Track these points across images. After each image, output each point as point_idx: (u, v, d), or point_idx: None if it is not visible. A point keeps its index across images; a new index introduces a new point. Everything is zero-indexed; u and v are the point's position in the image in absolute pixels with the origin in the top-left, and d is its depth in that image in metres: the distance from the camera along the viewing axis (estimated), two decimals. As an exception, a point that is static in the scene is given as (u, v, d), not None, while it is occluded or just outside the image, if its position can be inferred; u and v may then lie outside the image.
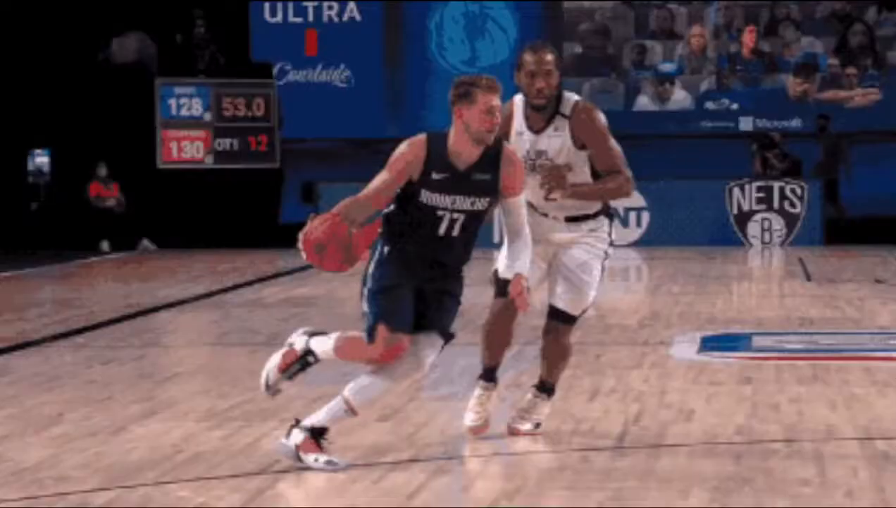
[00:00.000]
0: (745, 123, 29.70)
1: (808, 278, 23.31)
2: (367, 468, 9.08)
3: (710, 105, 30.49)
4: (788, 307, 19.44)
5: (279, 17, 31.04)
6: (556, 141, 8.69)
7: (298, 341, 8.31)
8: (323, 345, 8.30)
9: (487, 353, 9.06)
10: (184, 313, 19.09)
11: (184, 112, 30.03)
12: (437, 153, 7.93)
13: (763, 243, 28.60)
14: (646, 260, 27.26)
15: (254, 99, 29.83)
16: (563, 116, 8.48)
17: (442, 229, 7.98)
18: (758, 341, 15.70)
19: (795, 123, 29.65)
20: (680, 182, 29.40)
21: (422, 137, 7.98)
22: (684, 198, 29.24)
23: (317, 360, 8.39)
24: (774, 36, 31.00)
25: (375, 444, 9.75)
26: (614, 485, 8.44)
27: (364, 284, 8.13)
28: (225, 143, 30.03)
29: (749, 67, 30.71)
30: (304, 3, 31.07)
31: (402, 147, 7.98)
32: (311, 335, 8.43)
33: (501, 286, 8.73)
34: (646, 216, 28.92)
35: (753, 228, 28.45)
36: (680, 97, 30.42)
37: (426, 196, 7.92)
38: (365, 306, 8.12)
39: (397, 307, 8.03)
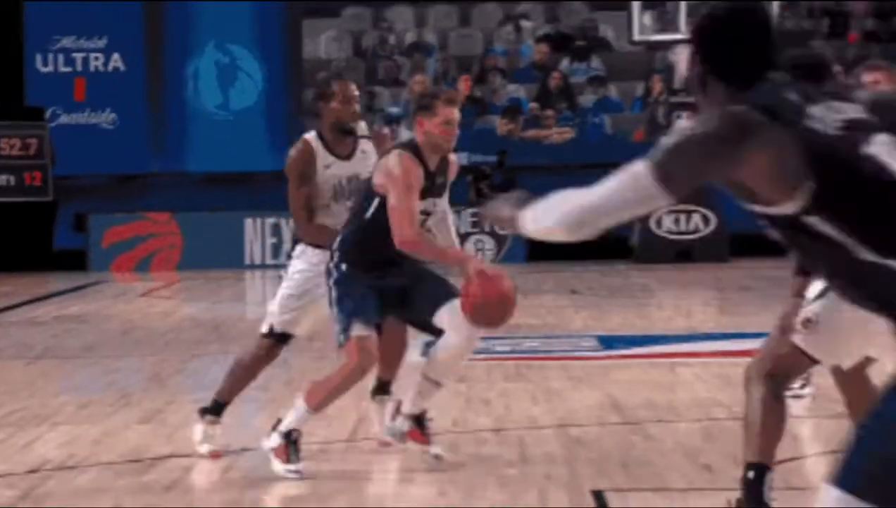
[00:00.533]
0: (462, 158, 29.46)
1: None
2: (131, 464, 10.19)
3: None
4: None
5: (51, 67, 31.31)
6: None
7: (273, 440, 8.75)
8: (292, 416, 8.77)
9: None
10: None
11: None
12: (422, 162, 8.54)
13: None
14: None
15: (28, 140, 29.61)
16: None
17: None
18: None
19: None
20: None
21: (403, 152, 8.61)
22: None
23: (297, 431, 8.79)
24: (484, 83, 32.39)
25: (137, 445, 10.82)
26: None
27: (334, 304, 8.72)
28: (2, 179, 29.79)
29: (464, 111, 30.39)
30: (74, 55, 31.30)
31: (395, 165, 8.53)
32: (274, 429, 8.81)
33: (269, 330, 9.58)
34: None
35: (469, 247, 28.29)
36: (405, 135, 26.77)
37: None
38: (336, 316, 8.70)
39: (366, 307, 8.60)
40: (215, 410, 9.38)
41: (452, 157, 8.81)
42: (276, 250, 28.49)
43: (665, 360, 15.84)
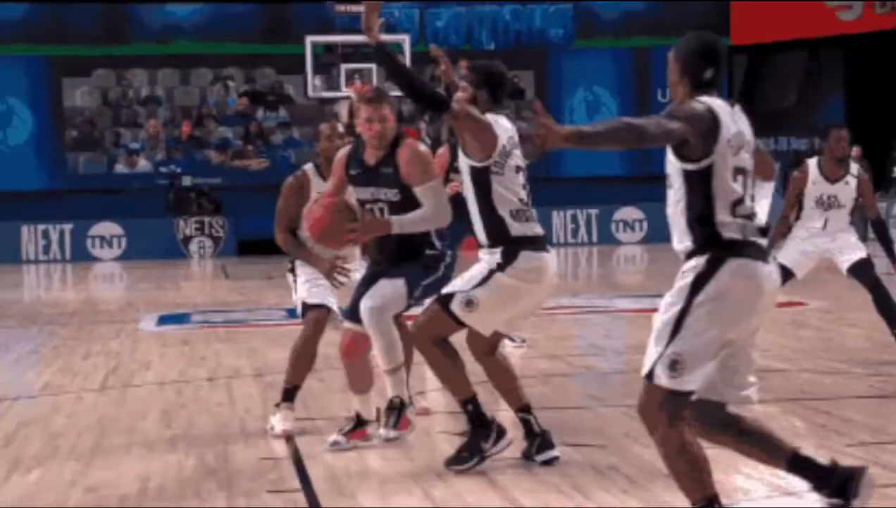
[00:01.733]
0: (186, 181, 31.27)
1: (227, 277, 25.23)
2: None
3: (162, 169, 31.46)
4: (215, 295, 21.45)
5: None
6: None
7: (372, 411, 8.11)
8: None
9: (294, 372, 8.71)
10: None
11: None
12: (355, 151, 7.98)
13: (200, 256, 30.56)
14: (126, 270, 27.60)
15: None
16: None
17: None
18: (195, 317, 17.19)
19: (217, 180, 31.73)
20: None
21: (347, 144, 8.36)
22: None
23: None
24: (202, 126, 32.88)
25: None
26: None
27: None
28: None
29: (187, 146, 32.33)
30: None
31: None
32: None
33: (304, 310, 8.78)
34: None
35: (193, 246, 30.54)
36: (143, 164, 31.78)
37: (354, 191, 7.94)
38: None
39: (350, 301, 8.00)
40: (288, 397, 8.71)
41: (409, 142, 7.84)
42: (46, 249, 29.61)
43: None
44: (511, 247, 6.96)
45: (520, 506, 6.53)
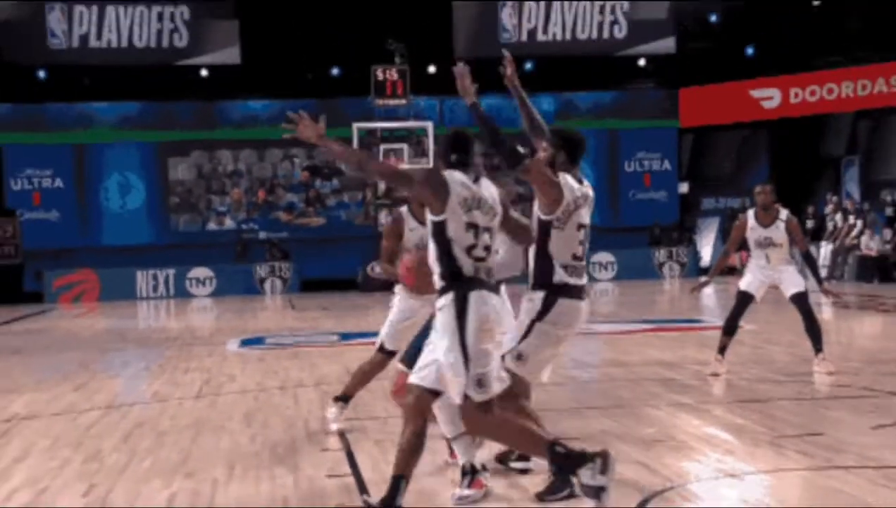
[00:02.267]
0: (262, 235, 31.83)
1: (293, 308, 24.37)
2: (67, 414, 10.30)
3: (243, 226, 31.98)
4: (283, 323, 20.71)
5: (19, 186, 30.96)
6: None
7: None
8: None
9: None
10: None
11: None
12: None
13: (271, 293, 30.04)
14: (215, 304, 27.22)
15: (6, 227, 29.89)
16: None
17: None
18: (268, 340, 16.75)
19: (285, 234, 31.77)
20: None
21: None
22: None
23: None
24: (273, 193, 32.57)
25: (72, 401, 11.01)
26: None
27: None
28: None
29: (262, 209, 32.23)
30: (33, 179, 31.06)
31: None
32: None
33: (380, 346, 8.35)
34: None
35: (267, 285, 30.34)
36: (228, 223, 32.23)
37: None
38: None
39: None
40: (344, 399, 8.61)
41: None
42: (155, 288, 29.62)
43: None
44: (551, 295, 6.32)
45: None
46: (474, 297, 5.62)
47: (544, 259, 6.32)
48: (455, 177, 5.72)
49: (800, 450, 7.07)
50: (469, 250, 5.64)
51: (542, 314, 6.27)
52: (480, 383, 5.58)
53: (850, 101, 30.29)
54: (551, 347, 6.39)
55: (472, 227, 5.64)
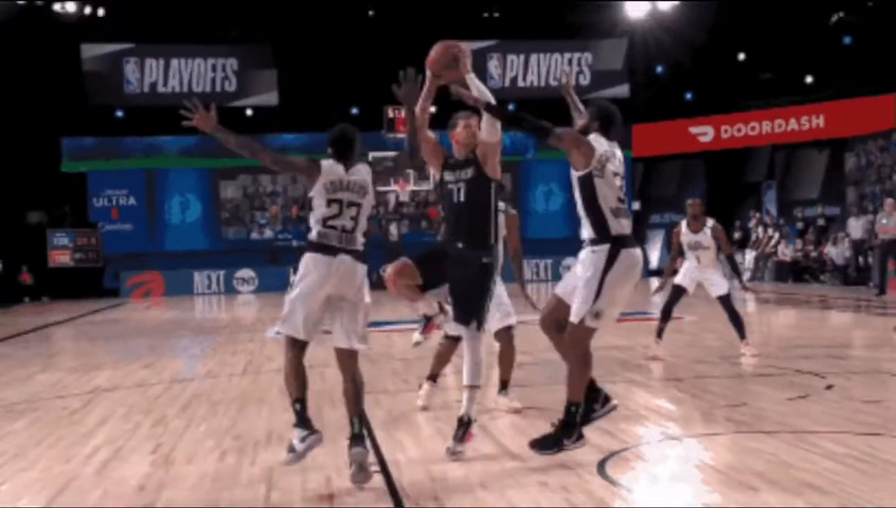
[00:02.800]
0: (295, 243, 30.35)
1: None
2: (140, 387, 10.61)
3: (279, 236, 31.93)
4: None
5: (102, 203, 31.29)
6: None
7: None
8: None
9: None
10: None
11: None
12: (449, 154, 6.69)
13: None
14: (257, 299, 27.53)
15: (91, 238, 30.39)
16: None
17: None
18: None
19: None
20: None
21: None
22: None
23: (428, 316, 6.68)
24: (304, 210, 29.74)
25: (144, 377, 11.01)
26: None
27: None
28: (80, 255, 30.29)
29: (295, 222, 31.64)
30: (112, 198, 31.34)
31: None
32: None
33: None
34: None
35: None
36: (268, 233, 32.18)
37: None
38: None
39: None
40: (432, 378, 7.81)
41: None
42: (208, 286, 29.85)
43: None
44: (614, 246, 5.62)
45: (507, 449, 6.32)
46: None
47: (596, 213, 5.65)
48: (328, 164, 5.76)
49: (728, 418, 7.05)
50: (324, 220, 5.60)
51: (608, 266, 5.59)
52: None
53: (768, 136, 30.73)
54: (620, 297, 5.68)
55: (336, 202, 5.62)
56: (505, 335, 7.57)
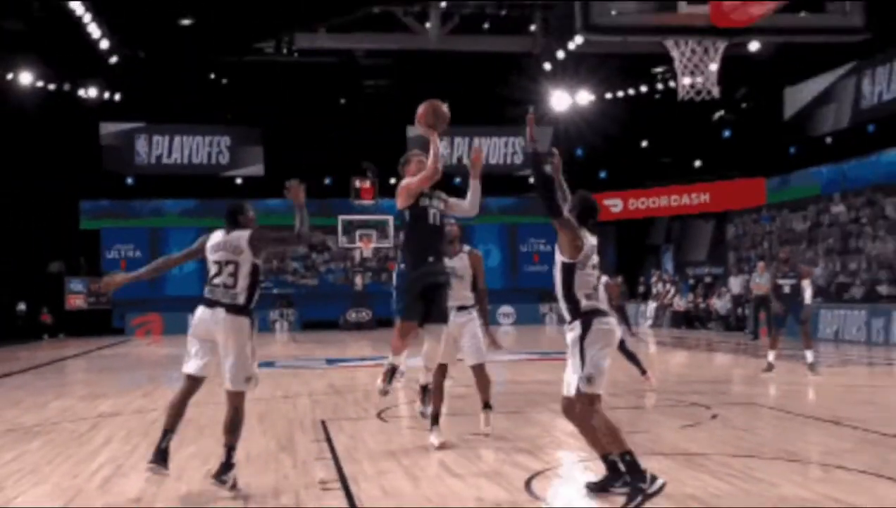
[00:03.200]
0: (276, 290, 31.07)
1: (295, 342, 23.31)
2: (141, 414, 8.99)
3: (263, 284, 34.03)
4: (287, 352, 19.75)
5: (114, 254, 30.33)
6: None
7: (385, 363, 6.31)
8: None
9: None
10: None
11: None
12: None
13: (280, 330, 29.21)
14: None
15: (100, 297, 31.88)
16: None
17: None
18: (277, 363, 16.43)
19: (292, 290, 30.76)
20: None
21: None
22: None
23: (395, 366, 6.32)
24: (283, 262, 31.76)
25: (142, 405, 10.45)
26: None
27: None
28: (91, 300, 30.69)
29: (276, 272, 31.09)
30: (120, 253, 30.49)
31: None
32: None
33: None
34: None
35: (277, 325, 29.93)
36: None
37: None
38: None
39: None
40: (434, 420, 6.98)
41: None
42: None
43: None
44: (586, 319, 5.25)
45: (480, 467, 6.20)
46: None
47: (571, 298, 5.30)
48: (214, 234, 5.79)
49: (633, 442, 6.84)
50: (211, 278, 5.57)
51: (584, 335, 5.21)
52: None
53: (666, 209, 30.85)
54: (604, 359, 5.26)
55: (216, 263, 5.60)
56: (479, 368, 7.17)
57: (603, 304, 5.48)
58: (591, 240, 5.39)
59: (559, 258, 5.34)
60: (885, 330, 18.37)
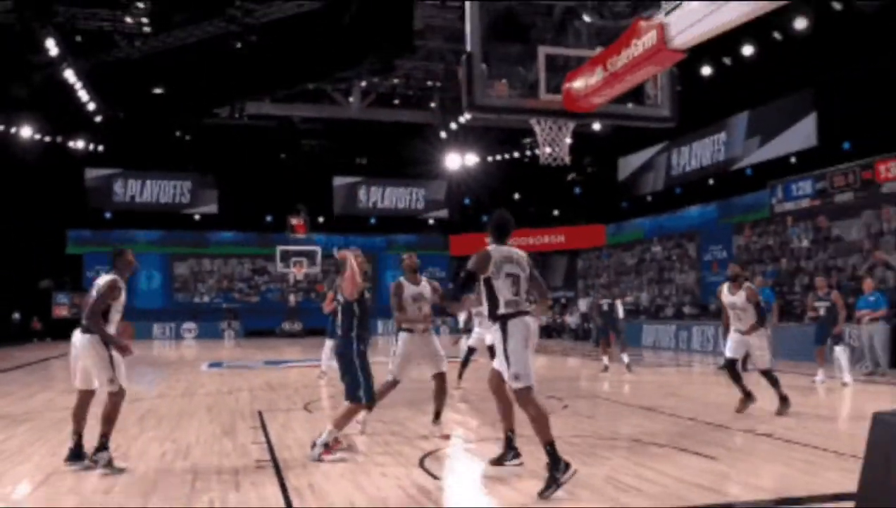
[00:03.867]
0: (225, 305, 30.19)
1: (240, 347, 22.27)
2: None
3: (216, 301, 30.10)
4: (233, 355, 18.78)
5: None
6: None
7: (317, 448, 5.48)
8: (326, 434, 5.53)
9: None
10: None
11: None
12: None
13: (229, 338, 27.81)
14: (196, 343, 25.79)
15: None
16: None
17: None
18: (225, 364, 15.38)
19: (239, 305, 30.04)
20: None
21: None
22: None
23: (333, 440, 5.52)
24: (231, 283, 30.79)
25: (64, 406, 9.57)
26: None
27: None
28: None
29: (226, 291, 30.91)
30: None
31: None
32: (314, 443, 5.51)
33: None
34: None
35: (226, 333, 28.36)
36: (205, 299, 30.48)
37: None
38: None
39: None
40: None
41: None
42: (163, 334, 28.00)
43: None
44: (503, 321, 4.74)
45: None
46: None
47: (493, 302, 4.79)
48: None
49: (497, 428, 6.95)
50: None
51: (505, 338, 4.72)
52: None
53: (532, 247, 30.00)
54: (525, 354, 4.71)
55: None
56: (439, 377, 6.59)
57: (522, 306, 4.85)
58: (501, 251, 4.85)
59: (481, 279, 4.85)
60: (688, 340, 18.66)
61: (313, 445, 5.58)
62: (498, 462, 5.14)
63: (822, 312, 10.53)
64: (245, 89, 23.62)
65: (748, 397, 7.48)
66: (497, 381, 4.95)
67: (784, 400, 7.41)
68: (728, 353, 7.60)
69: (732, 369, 7.63)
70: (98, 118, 24.12)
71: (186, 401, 9.41)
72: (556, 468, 4.54)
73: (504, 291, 4.79)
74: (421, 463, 5.45)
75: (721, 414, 7.50)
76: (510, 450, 5.08)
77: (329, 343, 10.89)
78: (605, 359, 12.62)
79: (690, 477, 4.88)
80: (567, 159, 6.21)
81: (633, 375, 11.96)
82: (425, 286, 6.60)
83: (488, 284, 4.84)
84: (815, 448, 5.80)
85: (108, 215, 30.18)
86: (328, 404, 8.82)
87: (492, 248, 4.88)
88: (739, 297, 7.38)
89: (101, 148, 27.67)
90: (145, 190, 30.27)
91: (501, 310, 4.78)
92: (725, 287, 7.58)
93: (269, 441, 6.37)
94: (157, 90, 23.54)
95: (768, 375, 7.48)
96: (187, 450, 6.10)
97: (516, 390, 4.69)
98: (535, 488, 4.57)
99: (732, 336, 7.57)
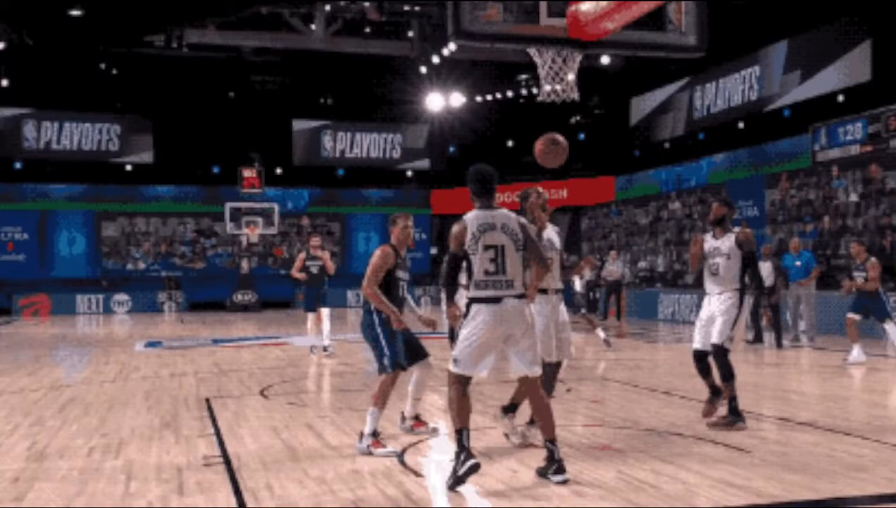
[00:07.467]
0: (165, 273, 30.22)
1: (182, 322, 22.37)
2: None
3: (152, 267, 30.42)
4: (175, 332, 19.03)
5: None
6: None
7: (365, 440, 5.63)
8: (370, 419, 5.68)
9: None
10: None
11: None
12: (393, 250, 5.90)
13: (169, 311, 27.92)
14: (131, 318, 25.68)
15: None
16: None
17: (401, 292, 5.93)
18: (164, 343, 15.38)
19: (179, 273, 30.02)
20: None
21: (385, 246, 5.95)
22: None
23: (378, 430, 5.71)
24: (172, 246, 30.75)
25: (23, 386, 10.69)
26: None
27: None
28: None
29: (165, 256, 30.58)
30: None
31: (378, 254, 5.91)
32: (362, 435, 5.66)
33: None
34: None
35: (166, 306, 28.68)
36: (141, 265, 30.39)
37: (397, 273, 5.92)
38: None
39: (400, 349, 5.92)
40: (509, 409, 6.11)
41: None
42: (89, 307, 27.46)
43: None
44: (469, 304, 4.75)
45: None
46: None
47: (470, 281, 4.84)
48: None
49: (495, 416, 6.91)
50: None
51: (465, 321, 4.78)
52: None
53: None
54: (480, 346, 4.75)
55: None
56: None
57: (500, 289, 4.78)
58: (480, 217, 4.81)
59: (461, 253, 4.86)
60: (713, 312, 19.29)
61: (361, 435, 5.68)
62: (542, 473, 4.89)
63: (859, 281, 10.58)
64: (184, 12, 23.46)
65: (715, 394, 6.55)
66: (527, 384, 4.89)
67: (716, 393, 6.53)
68: (695, 343, 6.55)
69: (702, 361, 6.58)
70: (0, 45, 23.39)
71: (118, 387, 9.43)
72: (457, 458, 4.64)
73: (479, 267, 4.73)
74: (400, 459, 5.51)
75: (752, 398, 7.49)
76: (553, 462, 4.79)
77: (326, 312, 11.51)
78: (601, 332, 12.93)
79: (716, 473, 4.91)
80: (576, 95, 6.12)
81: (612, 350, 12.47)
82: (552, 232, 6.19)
83: (468, 260, 4.80)
84: (865, 438, 5.82)
85: (17, 165, 29.99)
86: (288, 388, 8.88)
87: (470, 216, 4.81)
88: (726, 242, 6.33)
89: (4, 83, 27.32)
90: (63, 135, 29.81)
91: (471, 291, 4.78)
92: (709, 235, 6.55)
93: (218, 434, 6.39)
94: (75, 12, 23.10)
95: (716, 352, 6.33)
96: (119, 446, 6.09)
97: (449, 371, 4.80)
98: (524, 482, 4.71)
99: (701, 313, 6.53)
